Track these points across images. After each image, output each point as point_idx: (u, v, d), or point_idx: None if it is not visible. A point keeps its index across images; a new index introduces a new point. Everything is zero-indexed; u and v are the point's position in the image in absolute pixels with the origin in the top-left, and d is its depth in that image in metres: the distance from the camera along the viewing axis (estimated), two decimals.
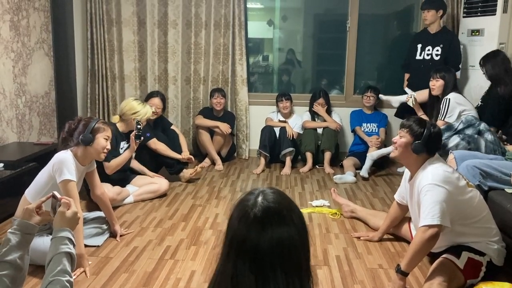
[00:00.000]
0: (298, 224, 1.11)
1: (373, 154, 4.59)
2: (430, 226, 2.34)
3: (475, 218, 2.53)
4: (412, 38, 4.93)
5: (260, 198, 1.13)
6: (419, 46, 4.66)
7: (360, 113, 5.18)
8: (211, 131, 5.04)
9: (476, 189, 2.65)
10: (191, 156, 4.43)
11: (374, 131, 5.06)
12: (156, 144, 4.25)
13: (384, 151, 4.57)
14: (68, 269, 1.47)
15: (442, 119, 4.02)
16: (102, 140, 2.79)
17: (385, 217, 3.15)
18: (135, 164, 4.10)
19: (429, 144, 2.56)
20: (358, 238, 3.17)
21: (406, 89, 4.68)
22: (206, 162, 5.07)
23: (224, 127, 4.96)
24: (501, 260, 2.56)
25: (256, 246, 1.06)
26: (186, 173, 4.40)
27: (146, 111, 3.80)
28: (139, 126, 3.61)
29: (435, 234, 2.34)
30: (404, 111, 4.66)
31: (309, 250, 1.14)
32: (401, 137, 2.62)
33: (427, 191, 2.42)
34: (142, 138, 3.68)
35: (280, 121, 5.14)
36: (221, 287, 1.09)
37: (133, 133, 3.62)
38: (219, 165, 4.96)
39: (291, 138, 4.92)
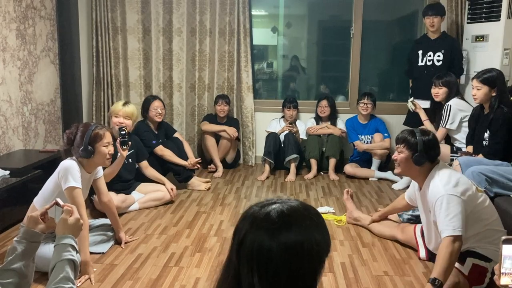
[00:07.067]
0: (313, 233, 1.06)
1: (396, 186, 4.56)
2: (455, 238, 2.35)
3: (486, 221, 2.53)
4: (413, 45, 4.85)
5: (276, 205, 1.09)
6: (420, 52, 4.61)
7: (355, 122, 5.02)
8: (217, 137, 5.05)
9: (485, 194, 2.64)
10: (199, 159, 4.45)
11: (368, 143, 4.93)
12: (162, 151, 4.26)
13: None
14: (71, 276, 1.47)
15: (444, 126, 4.01)
16: (103, 149, 2.75)
17: (389, 205, 3.35)
18: (151, 173, 4.02)
19: (428, 153, 2.57)
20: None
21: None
22: (212, 167, 5.07)
23: (231, 131, 4.97)
24: None
25: (268, 250, 1.03)
26: (198, 185, 4.39)
27: (116, 106, 3.70)
28: (123, 132, 3.28)
29: (461, 244, 2.37)
30: (412, 119, 4.63)
31: (321, 263, 1.08)
32: (399, 153, 2.65)
33: (441, 202, 2.42)
34: (129, 143, 3.31)
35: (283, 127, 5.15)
36: None
37: (118, 140, 3.26)
38: (219, 172, 4.94)
39: (289, 131, 4.95)
